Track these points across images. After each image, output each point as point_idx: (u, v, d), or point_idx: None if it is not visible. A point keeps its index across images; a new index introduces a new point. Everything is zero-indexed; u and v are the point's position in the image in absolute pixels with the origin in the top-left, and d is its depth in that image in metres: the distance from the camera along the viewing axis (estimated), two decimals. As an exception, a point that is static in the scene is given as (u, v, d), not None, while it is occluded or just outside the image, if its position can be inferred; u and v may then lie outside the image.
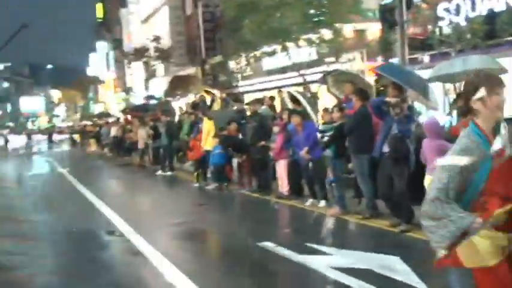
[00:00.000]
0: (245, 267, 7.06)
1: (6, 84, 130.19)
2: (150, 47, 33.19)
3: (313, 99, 13.92)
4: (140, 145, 23.26)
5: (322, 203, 10.44)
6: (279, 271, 6.70)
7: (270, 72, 24.57)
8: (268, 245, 7.64)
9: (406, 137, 8.22)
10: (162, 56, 33.07)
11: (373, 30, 17.33)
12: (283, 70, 19.22)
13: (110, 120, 37.18)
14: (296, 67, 15.44)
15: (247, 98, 18.07)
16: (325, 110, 10.57)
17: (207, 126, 14.85)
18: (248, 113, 13.92)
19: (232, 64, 27.98)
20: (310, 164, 10.64)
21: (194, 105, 23.04)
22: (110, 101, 61.19)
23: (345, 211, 9.59)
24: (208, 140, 14.59)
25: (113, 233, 9.32)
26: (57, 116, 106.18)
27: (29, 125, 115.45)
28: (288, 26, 13.84)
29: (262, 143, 12.53)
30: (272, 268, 6.81)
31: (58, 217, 11.50)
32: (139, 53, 33.43)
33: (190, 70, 34.53)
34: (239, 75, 28.24)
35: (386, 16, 12.99)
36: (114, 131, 30.34)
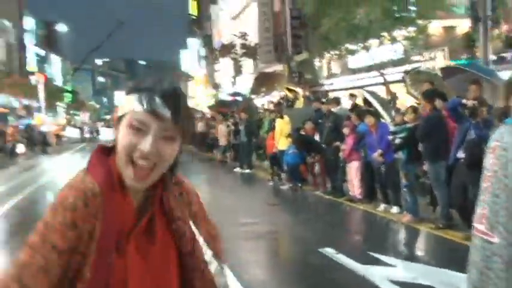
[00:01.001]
0: (300, 273, 6.79)
1: (102, 79, 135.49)
2: (236, 43, 33.31)
3: (392, 99, 13.34)
4: (222, 141, 23.42)
5: (395, 209, 9.94)
6: (333, 280, 6.35)
7: (355, 71, 23.99)
8: (329, 251, 7.32)
9: (484, 142, 7.63)
10: (249, 53, 33.10)
11: (464, 27, 16.44)
12: (368, 68, 18.64)
13: (197, 116, 37.62)
14: (377, 66, 14.86)
15: (333, 97, 17.62)
16: (397, 110, 10.03)
17: (280, 125, 14.64)
18: (325, 113, 13.52)
19: (317, 62, 27.59)
20: (383, 167, 10.16)
21: (277, 103, 23.01)
22: (200, 97, 62.11)
23: (417, 219, 9.06)
24: (281, 140, 14.37)
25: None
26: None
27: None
28: (368, 22, 13.30)
29: (336, 143, 12.15)
30: (327, 277, 6.47)
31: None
32: (226, 49, 33.61)
33: (277, 67, 34.35)
34: (324, 74, 27.79)
35: (475, 12, 12.20)
36: (199, 127, 30.70)
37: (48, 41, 67.80)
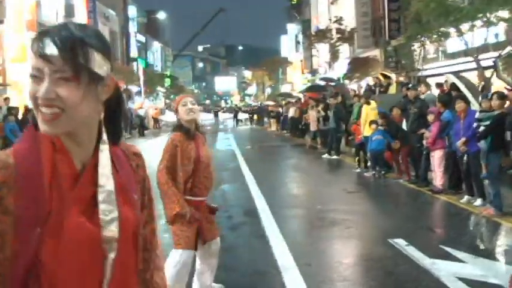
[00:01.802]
0: (365, 264, 6.56)
1: (201, 65, 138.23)
2: (332, 28, 32.81)
3: (485, 85, 12.58)
4: (312, 127, 23.27)
5: (479, 201, 9.40)
6: (396, 273, 6.08)
7: (453, 55, 22.91)
8: (400, 242, 7.04)
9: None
10: (344, 38, 32.51)
11: None
12: (464, 53, 17.68)
13: (292, 100, 37.56)
14: (472, 51, 14.02)
15: (432, 82, 16.90)
16: (485, 96, 9.42)
17: (367, 111, 14.26)
18: (411, 99, 12.99)
19: (415, 46, 26.60)
20: (465, 157, 9.61)
21: (366, 89, 22.47)
22: (297, 82, 61.99)
23: (500, 212, 8.52)
24: (366, 126, 13.98)
25: (249, 213, 9.33)
26: (250, 95, 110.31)
27: (222, 104, 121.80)
28: (461, 2, 12.50)
29: (422, 131, 11.65)
30: (390, 269, 6.20)
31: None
32: (322, 34, 33.15)
33: (374, 52, 33.55)
34: (421, 58, 26.78)
35: None
36: (292, 112, 30.68)
37: (150, 28, 69.73)
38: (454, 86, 12.09)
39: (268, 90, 78.31)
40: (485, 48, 14.63)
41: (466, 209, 9.29)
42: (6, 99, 21.47)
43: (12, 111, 18.36)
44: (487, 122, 8.84)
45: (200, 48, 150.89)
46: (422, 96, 13.62)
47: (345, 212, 9.51)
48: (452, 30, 14.43)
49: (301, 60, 60.63)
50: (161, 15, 70.33)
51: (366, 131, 13.98)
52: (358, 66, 30.07)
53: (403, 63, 28.69)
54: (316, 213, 9.48)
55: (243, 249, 7.13)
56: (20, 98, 28.94)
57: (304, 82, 55.05)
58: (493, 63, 12.52)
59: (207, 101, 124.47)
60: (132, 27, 60.02)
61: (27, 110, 20.84)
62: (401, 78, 25.28)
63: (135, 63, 55.70)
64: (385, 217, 9.17)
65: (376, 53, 33.09)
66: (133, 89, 49.70)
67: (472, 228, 8.41)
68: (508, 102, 9.52)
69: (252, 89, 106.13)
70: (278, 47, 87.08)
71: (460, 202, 9.78)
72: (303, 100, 32.32)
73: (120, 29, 55.96)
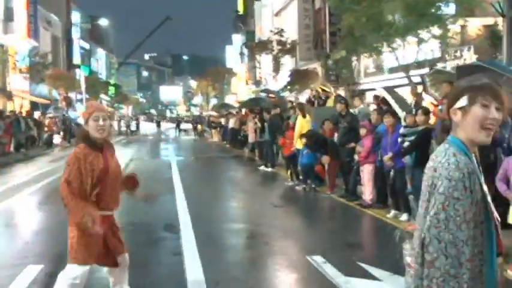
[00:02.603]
0: (277, 281, 6.32)
1: (146, 73, 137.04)
2: (273, 39, 32.84)
3: (418, 100, 12.63)
4: (251, 138, 23.10)
5: (404, 216, 9.32)
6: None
7: (391, 71, 23.16)
8: (318, 259, 6.83)
9: (498, 144, 7.00)
10: (285, 50, 32.57)
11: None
12: (396, 69, 17.81)
13: (233, 112, 37.37)
14: (403, 67, 14.11)
15: (370, 96, 16.95)
16: (410, 111, 9.38)
17: (301, 123, 14.06)
18: (341, 112, 12.90)
19: (353, 60, 26.83)
20: (392, 172, 9.54)
21: (308, 101, 22.42)
22: (241, 93, 61.95)
23: (423, 228, 8.40)
24: (298, 139, 13.80)
25: (170, 228, 8.99)
26: (196, 105, 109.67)
27: (168, 113, 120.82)
28: (390, 18, 12.52)
29: (352, 145, 11.56)
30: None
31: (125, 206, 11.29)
32: (263, 45, 33.13)
33: (316, 65, 33.74)
34: (358, 72, 27.08)
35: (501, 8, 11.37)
36: (232, 123, 30.46)
37: (94, 35, 68.57)
38: (384, 100, 12.08)
39: (213, 101, 78.04)
40: (420, 64, 14.80)
41: (391, 224, 9.18)
42: None
43: None
44: (412, 138, 8.77)
45: (146, 56, 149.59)
46: (356, 110, 13.60)
47: (267, 227, 9.27)
48: (385, 45, 14.48)
49: (246, 71, 60.68)
50: (106, 22, 69.21)
51: (298, 143, 13.79)
52: (299, 78, 30.19)
53: (343, 77, 28.95)
54: (238, 229, 9.23)
55: (154, 267, 6.77)
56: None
57: (249, 93, 55.04)
58: (421, 78, 12.60)
59: (152, 110, 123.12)
60: (76, 34, 58.80)
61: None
62: (341, 92, 25.45)
63: (77, 70, 54.51)
64: (308, 233, 8.98)
65: (317, 65, 33.31)
66: (74, 96, 48.55)
67: (394, 244, 8.27)
68: (433, 118, 9.50)
69: (198, 99, 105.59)
70: (224, 57, 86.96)
71: (387, 217, 9.68)
72: (243, 112, 32.18)
73: (63, 34, 54.71)
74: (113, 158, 4.62)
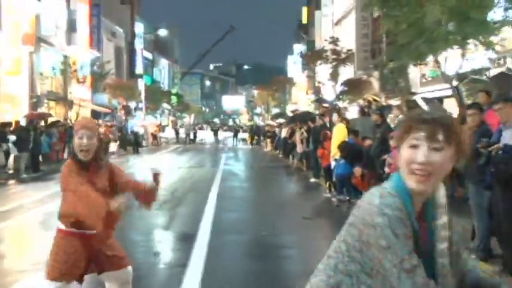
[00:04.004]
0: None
1: (209, 83, 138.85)
2: (328, 49, 32.51)
3: (460, 112, 12.04)
4: (299, 148, 22.80)
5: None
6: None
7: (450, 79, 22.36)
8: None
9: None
10: (339, 59, 32.14)
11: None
12: (448, 78, 17.13)
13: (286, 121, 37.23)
14: (446, 76, 13.45)
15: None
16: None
17: (338, 133, 13.68)
18: (376, 122, 12.48)
19: (408, 69, 26.14)
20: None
21: (359, 112, 21.94)
22: (302, 102, 61.74)
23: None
24: (334, 149, 13.43)
25: (185, 237, 8.86)
26: (258, 114, 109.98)
27: (230, 122, 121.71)
28: (431, 24, 11.91)
29: (384, 156, 11.13)
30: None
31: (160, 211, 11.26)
32: (317, 54, 32.83)
33: (374, 74, 33.21)
34: (417, 81, 26.38)
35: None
36: (284, 133, 30.26)
37: (158, 45, 70.05)
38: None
39: (275, 110, 78.06)
40: (462, 75, 14.11)
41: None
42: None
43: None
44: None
45: (211, 66, 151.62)
46: (395, 120, 13.11)
47: (287, 239, 9.01)
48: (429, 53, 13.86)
49: (306, 81, 60.43)
50: (168, 33, 70.56)
51: (334, 153, 13.41)
52: (352, 88, 29.70)
53: (400, 86, 28.24)
54: (254, 240, 9.01)
55: (150, 279, 6.63)
56: (14, 111, 28.80)
57: (308, 103, 54.75)
58: (454, 88, 12.04)
59: (216, 119, 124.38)
60: (139, 44, 60.22)
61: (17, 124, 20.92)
62: (393, 102, 24.80)
63: (140, 80, 55.74)
64: (319, 249, 8.63)
65: (375, 75, 32.75)
66: (135, 105, 49.65)
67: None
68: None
69: (260, 108, 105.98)
70: (286, 67, 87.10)
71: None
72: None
73: (127, 45, 56.14)
74: (100, 176, 4.34)
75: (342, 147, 12.52)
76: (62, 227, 4.29)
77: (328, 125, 18.64)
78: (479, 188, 7.40)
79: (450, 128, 1.96)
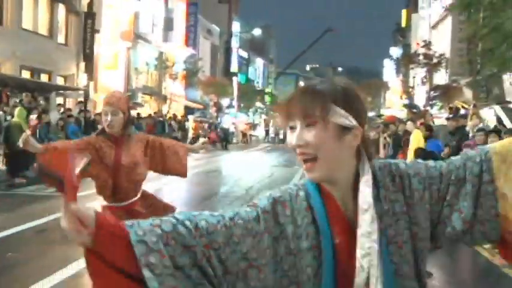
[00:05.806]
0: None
1: (303, 84, 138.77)
2: (420, 53, 31.86)
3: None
4: (381, 153, 22.59)
5: None
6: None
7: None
8: None
9: None
10: (431, 63, 31.42)
11: None
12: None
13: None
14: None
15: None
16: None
17: (414, 139, 13.46)
18: (452, 130, 12.22)
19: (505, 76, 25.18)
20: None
21: (447, 118, 21.41)
22: (395, 107, 60.67)
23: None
24: (411, 154, 13.24)
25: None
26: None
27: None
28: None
29: (457, 165, 10.88)
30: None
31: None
32: (408, 58, 32.25)
33: (468, 80, 32.21)
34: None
35: None
36: (371, 136, 30.01)
37: (254, 44, 70.98)
38: (499, 119, 11.29)
39: (370, 114, 76.93)
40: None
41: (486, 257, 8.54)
42: (79, 103, 22.60)
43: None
44: None
45: (308, 67, 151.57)
46: (474, 129, 12.76)
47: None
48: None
49: (400, 85, 59.36)
50: (264, 32, 71.33)
51: (410, 158, 13.24)
52: (441, 93, 28.95)
53: (495, 94, 27.23)
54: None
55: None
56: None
57: (400, 108, 53.74)
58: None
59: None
60: (235, 43, 61.32)
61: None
62: (485, 111, 23.95)
63: (234, 78, 56.77)
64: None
65: (468, 81, 31.76)
66: (226, 102, 50.65)
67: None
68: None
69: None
70: (381, 70, 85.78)
71: (483, 247, 9.02)
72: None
73: (223, 43, 57.36)
74: (131, 149, 4.33)
75: (417, 153, 12.37)
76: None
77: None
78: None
79: (325, 96, 1.50)
